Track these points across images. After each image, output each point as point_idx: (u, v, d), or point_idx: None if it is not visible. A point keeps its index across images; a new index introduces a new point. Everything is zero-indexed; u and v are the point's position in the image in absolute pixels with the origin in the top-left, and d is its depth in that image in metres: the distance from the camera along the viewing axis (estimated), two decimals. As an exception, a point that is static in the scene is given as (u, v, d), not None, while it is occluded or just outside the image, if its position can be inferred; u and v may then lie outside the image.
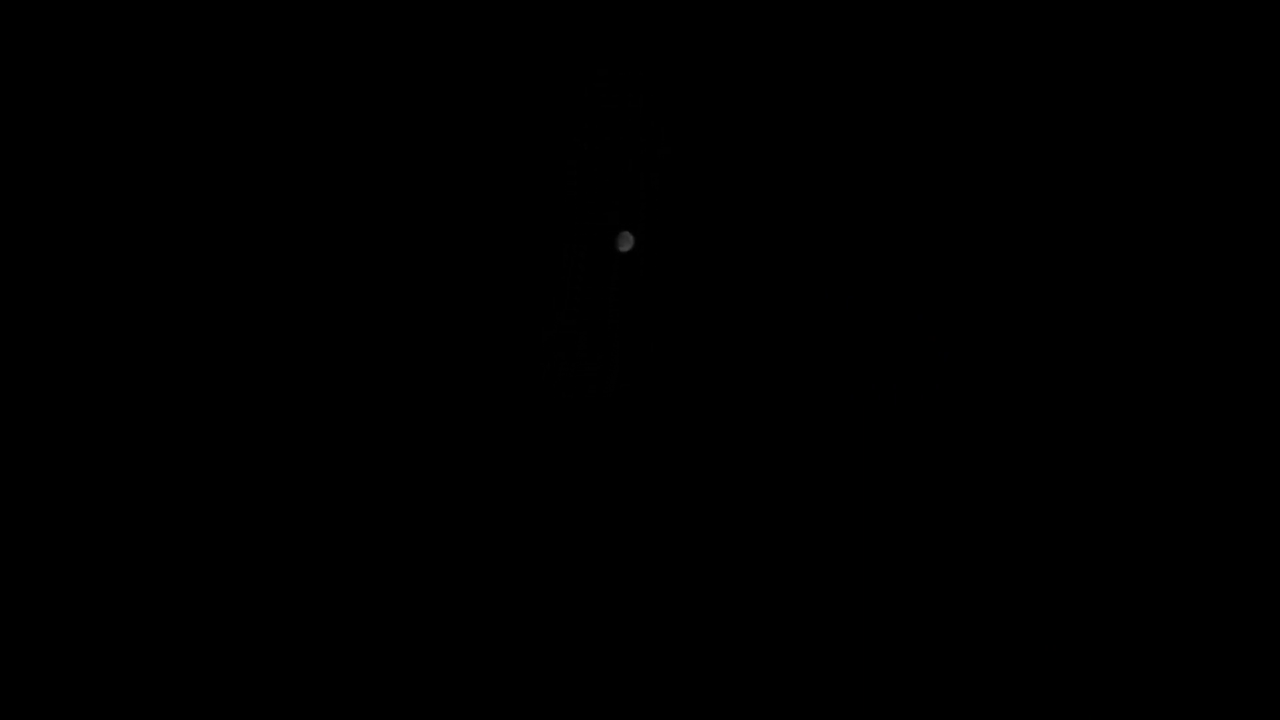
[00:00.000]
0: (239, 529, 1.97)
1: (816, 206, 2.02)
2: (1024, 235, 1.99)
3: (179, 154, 2.02)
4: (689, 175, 2.03)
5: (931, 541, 1.97)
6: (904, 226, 2.01)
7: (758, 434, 2.00)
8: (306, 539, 1.98)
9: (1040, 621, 1.93)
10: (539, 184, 2.04)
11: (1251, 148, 1.95)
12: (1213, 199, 1.96)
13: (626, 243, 2.00)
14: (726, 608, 1.97)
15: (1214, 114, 1.97)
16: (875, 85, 2.02)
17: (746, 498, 1.99)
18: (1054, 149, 1.99)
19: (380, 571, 1.98)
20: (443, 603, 1.98)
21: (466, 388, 2.03)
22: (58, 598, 1.93)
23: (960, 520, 1.97)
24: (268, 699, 1.92)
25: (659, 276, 2.04)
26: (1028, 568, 1.95)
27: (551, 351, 2.03)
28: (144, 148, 2.01)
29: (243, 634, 1.94)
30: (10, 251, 1.98)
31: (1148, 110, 1.98)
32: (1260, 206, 1.95)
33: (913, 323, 1.99)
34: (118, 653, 1.92)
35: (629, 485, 2.01)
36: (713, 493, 2.00)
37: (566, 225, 2.04)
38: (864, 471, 1.99)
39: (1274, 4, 1.92)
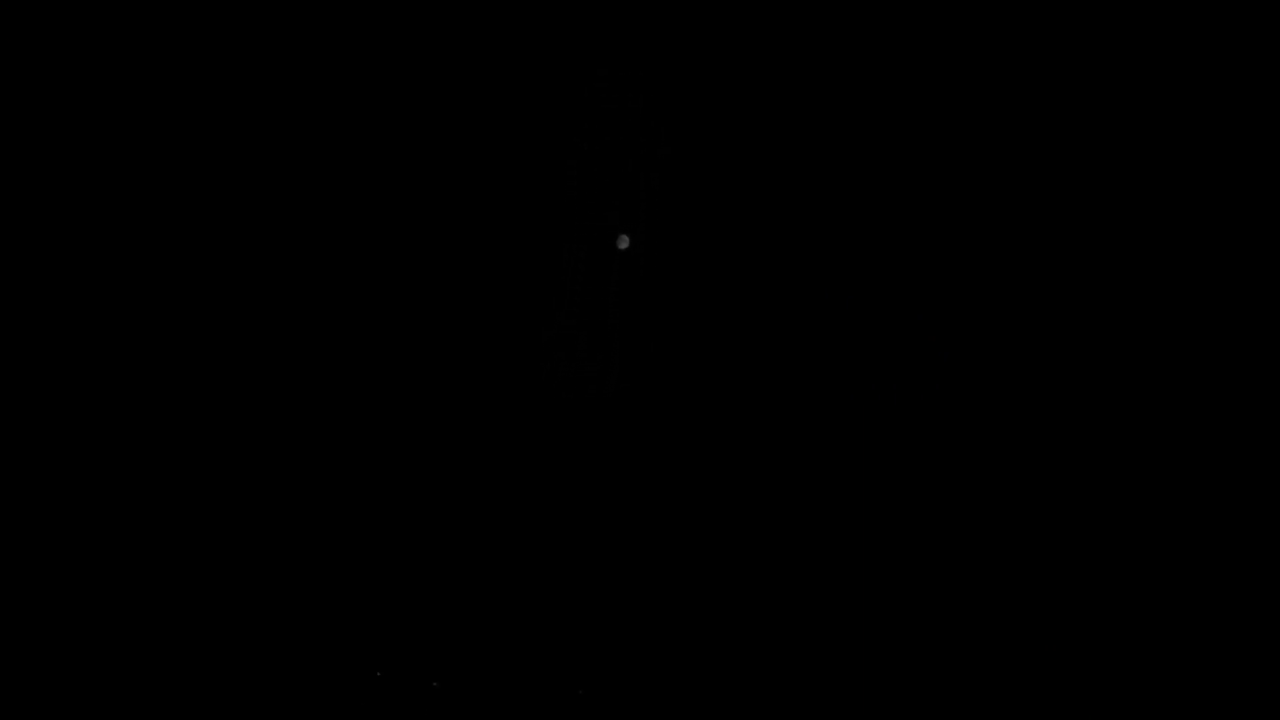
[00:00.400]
0: (244, 525, 1.97)
1: (815, 206, 2.02)
2: (1021, 236, 1.99)
3: (182, 157, 2.02)
4: (688, 175, 2.03)
5: (929, 539, 1.96)
6: (903, 227, 2.01)
7: (757, 433, 2.00)
8: (309, 535, 1.98)
9: (1038, 619, 1.93)
10: (539, 184, 2.04)
11: (1251, 148, 1.95)
12: (1212, 199, 1.96)
13: (623, 242, 2.01)
14: (724, 604, 1.97)
15: (1214, 114, 1.96)
16: (873, 87, 2.02)
17: (745, 496, 1.99)
18: (1052, 150, 1.99)
19: (381, 567, 1.98)
20: (444, 599, 1.98)
21: (468, 386, 2.03)
22: (57, 597, 1.93)
23: (957, 517, 1.97)
24: (272, 696, 1.93)
25: (658, 276, 2.04)
26: (1025, 565, 1.95)
27: (551, 351, 2.03)
28: (152, 151, 2.02)
29: (247, 631, 1.94)
30: (11, 252, 1.98)
31: (1147, 110, 1.98)
32: (1260, 207, 1.94)
33: (912, 323, 1.99)
34: (118, 651, 1.92)
35: (628, 483, 2.01)
36: (711, 490, 2.00)
37: (566, 225, 2.04)
38: (861, 469, 1.99)
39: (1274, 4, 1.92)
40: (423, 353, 2.02)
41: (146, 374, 1.99)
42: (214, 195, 2.01)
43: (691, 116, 2.03)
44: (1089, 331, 1.97)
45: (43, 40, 1.99)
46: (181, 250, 2.01)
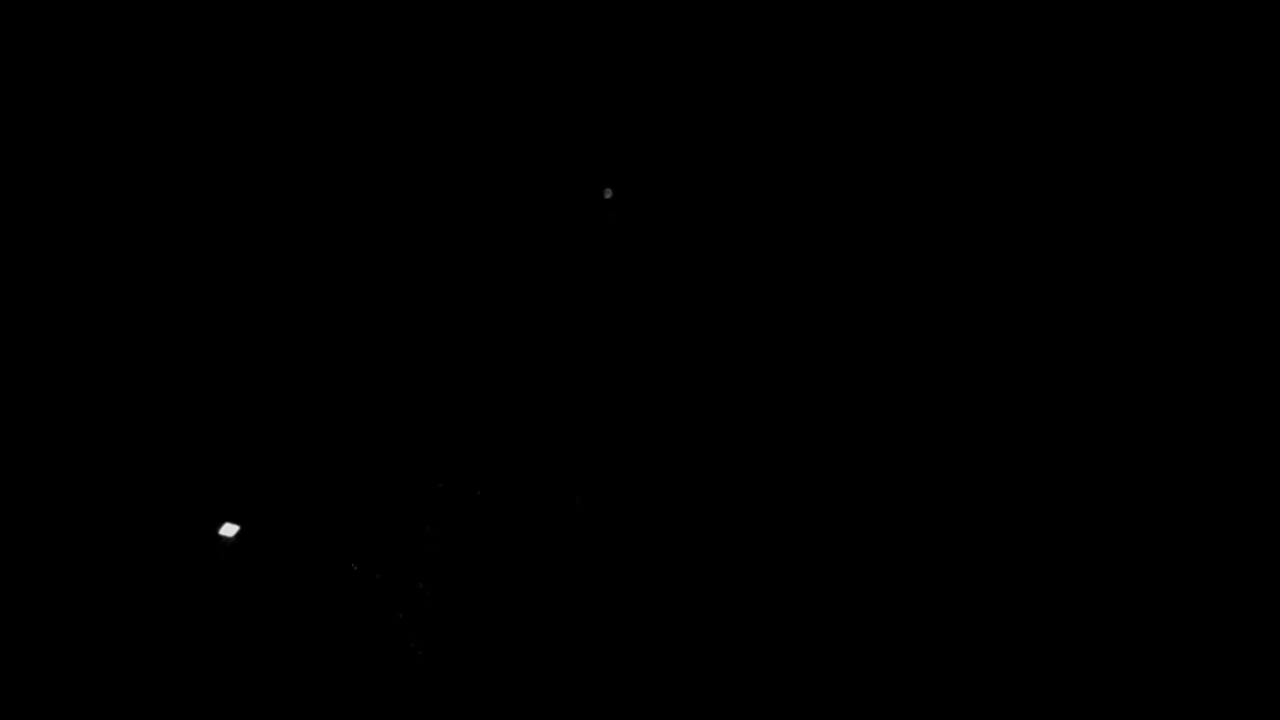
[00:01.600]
0: (237, 523, 1.99)
1: (813, 204, 2.03)
2: (1017, 235, 1.99)
3: (181, 158, 2.03)
4: (683, 172, 2.04)
5: (927, 537, 1.97)
6: (904, 227, 2.01)
7: (755, 429, 2.01)
8: (305, 531, 1.99)
9: (1039, 619, 1.94)
10: (537, 182, 2.05)
11: (1251, 148, 1.95)
12: (1212, 199, 1.96)
13: (608, 193, 2.03)
14: (724, 603, 1.98)
15: (1214, 114, 1.97)
16: (869, 86, 2.02)
17: (744, 492, 2.00)
18: (1050, 149, 2.00)
19: (378, 566, 1.99)
20: (441, 598, 1.99)
21: (463, 382, 2.04)
22: (58, 596, 1.95)
23: (954, 514, 1.98)
24: (267, 695, 1.94)
25: (655, 272, 2.05)
26: (1025, 565, 1.95)
27: (551, 336, 2.04)
28: (162, 154, 2.03)
29: (240, 629, 1.96)
30: (12, 251, 2.00)
31: (1147, 110, 1.98)
32: (1260, 207, 1.95)
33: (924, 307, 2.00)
34: (118, 650, 1.94)
35: (626, 479, 2.02)
36: (710, 488, 2.01)
37: (564, 222, 2.05)
38: (860, 466, 2.00)
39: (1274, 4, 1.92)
40: (419, 347, 2.03)
41: (150, 373, 2.01)
42: (210, 196, 2.03)
43: (685, 115, 2.04)
44: (1088, 332, 1.97)
45: (43, 41, 2.00)
46: (180, 252, 2.02)
